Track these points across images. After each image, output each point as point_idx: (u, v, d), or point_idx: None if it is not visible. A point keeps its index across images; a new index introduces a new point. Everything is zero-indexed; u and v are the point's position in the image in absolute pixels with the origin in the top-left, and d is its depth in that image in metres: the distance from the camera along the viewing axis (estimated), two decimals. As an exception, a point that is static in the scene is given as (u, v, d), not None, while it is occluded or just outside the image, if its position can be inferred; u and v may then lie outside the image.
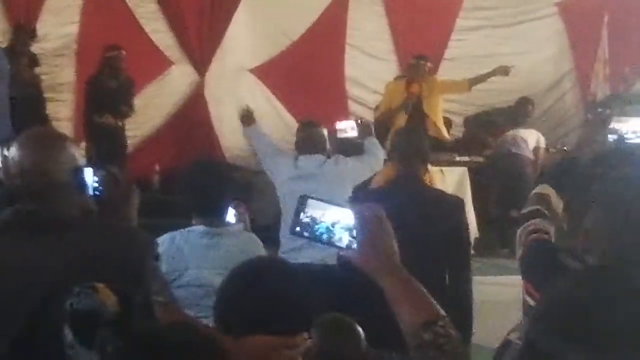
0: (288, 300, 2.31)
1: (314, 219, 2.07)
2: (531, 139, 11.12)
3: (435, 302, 2.05)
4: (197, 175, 4.43)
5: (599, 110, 10.67)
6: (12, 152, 2.88)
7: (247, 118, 6.77)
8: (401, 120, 9.67)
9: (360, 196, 4.54)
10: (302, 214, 2.08)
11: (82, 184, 2.96)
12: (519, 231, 3.31)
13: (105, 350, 2.09)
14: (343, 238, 2.07)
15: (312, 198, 2.09)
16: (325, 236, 2.08)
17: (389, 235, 2.09)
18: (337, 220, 2.07)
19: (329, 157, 6.15)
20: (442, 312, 2.03)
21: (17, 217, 2.82)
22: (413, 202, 4.61)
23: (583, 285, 1.62)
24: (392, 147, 4.95)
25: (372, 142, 6.53)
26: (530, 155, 11.02)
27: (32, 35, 10.47)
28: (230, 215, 4.57)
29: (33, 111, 9.58)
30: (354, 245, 2.05)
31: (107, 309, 2.11)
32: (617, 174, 2.92)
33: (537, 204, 3.33)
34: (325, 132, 6.40)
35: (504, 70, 10.17)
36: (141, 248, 2.88)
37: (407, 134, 5.52)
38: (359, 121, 7.07)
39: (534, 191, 3.46)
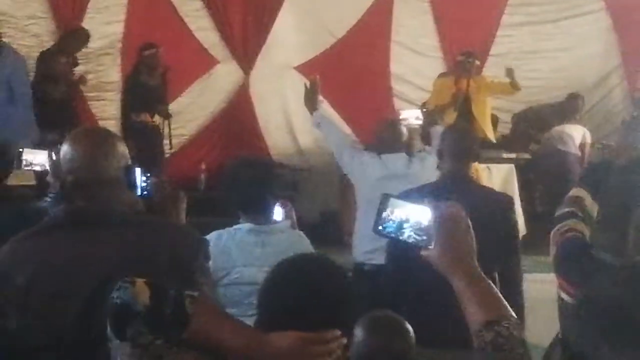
0: (330, 297, 2.30)
1: (383, 217, 2.07)
2: (577, 134, 11.03)
3: (506, 304, 2.02)
4: (243, 173, 4.40)
5: (635, 114, 10.59)
6: (63, 149, 2.91)
7: (310, 99, 6.31)
8: (450, 117, 9.55)
9: (409, 193, 4.49)
10: (384, 213, 2.07)
11: (132, 182, 2.99)
12: (552, 232, 3.33)
13: (136, 342, 2.11)
14: (411, 236, 2.06)
15: (393, 196, 2.09)
16: (393, 234, 2.07)
17: (467, 234, 2.08)
18: (407, 218, 2.06)
19: (409, 154, 6.08)
20: (511, 314, 2.01)
21: (68, 215, 2.84)
22: (462, 199, 4.55)
23: (618, 282, 1.60)
24: (442, 144, 4.89)
25: (439, 131, 6.30)
26: (577, 152, 10.94)
27: (86, 39, 10.47)
28: (278, 213, 4.56)
29: (69, 111, 9.65)
30: (432, 244, 2.05)
31: (137, 303, 2.12)
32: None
33: (571, 206, 3.35)
34: (405, 129, 6.33)
35: (508, 72, 10.02)
36: (193, 246, 2.90)
37: (456, 131, 5.46)
38: (424, 110, 6.89)
39: (568, 194, 3.48)
